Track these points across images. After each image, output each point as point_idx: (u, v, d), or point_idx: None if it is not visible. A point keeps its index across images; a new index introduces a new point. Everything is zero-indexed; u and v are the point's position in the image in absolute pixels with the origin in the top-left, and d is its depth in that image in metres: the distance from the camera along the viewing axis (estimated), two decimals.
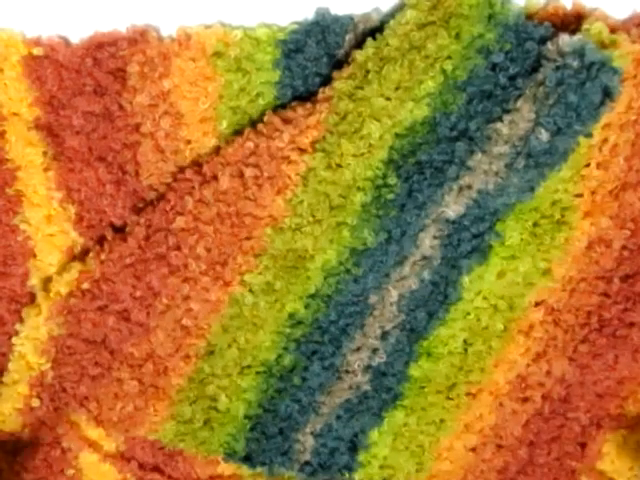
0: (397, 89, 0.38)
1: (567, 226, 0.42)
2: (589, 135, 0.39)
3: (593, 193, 0.42)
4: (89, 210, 0.42)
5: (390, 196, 0.40)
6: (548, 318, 0.44)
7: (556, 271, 0.43)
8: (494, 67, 0.38)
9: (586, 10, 0.39)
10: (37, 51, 0.40)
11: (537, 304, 0.44)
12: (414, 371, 0.44)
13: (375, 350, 0.44)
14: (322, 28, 0.40)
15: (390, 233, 0.41)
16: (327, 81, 0.40)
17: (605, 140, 0.41)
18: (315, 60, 0.40)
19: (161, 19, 0.40)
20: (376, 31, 0.39)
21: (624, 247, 0.43)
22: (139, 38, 0.40)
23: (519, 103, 0.38)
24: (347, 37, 0.40)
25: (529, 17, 0.39)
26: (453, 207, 0.40)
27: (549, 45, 0.37)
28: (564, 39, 0.37)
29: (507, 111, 0.38)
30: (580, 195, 0.42)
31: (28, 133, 0.41)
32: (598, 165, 0.41)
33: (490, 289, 0.43)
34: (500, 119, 0.38)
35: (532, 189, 0.40)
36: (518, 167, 0.39)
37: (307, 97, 0.41)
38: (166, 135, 0.41)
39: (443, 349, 0.44)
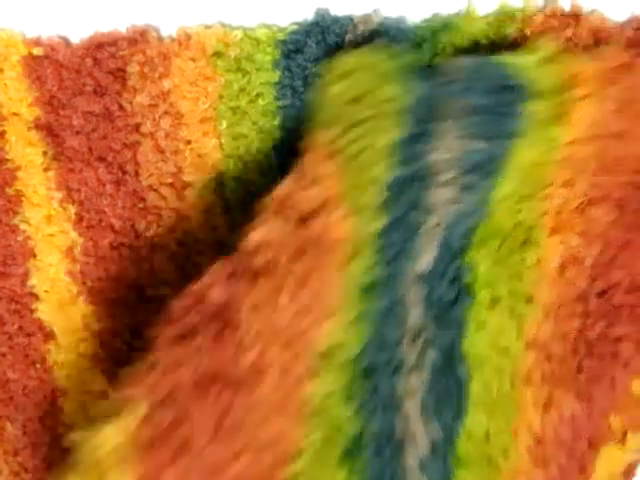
0: None
1: (534, 245, 0.40)
2: (513, 136, 0.38)
3: (558, 211, 0.41)
4: (89, 210, 0.42)
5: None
6: (540, 355, 0.41)
7: (537, 297, 0.41)
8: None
9: (584, 11, 0.40)
10: (37, 51, 0.40)
11: (527, 347, 0.41)
12: None
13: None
14: (322, 29, 0.40)
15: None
16: None
17: (569, 157, 0.40)
18: (315, 61, 0.41)
19: (161, 19, 0.40)
20: (376, 32, 0.40)
21: (594, 264, 0.41)
22: (139, 38, 0.40)
23: (443, 130, 0.37)
24: (347, 38, 0.40)
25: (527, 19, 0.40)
26: (424, 257, 0.38)
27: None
28: (463, 60, 0.38)
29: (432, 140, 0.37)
30: (545, 214, 0.40)
31: (28, 133, 0.41)
32: (563, 183, 0.40)
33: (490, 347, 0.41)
34: (432, 149, 0.37)
35: (486, 202, 0.39)
36: (468, 185, 0.38)
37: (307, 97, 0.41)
38: (166, 135, 0.41)
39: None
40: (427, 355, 0.39)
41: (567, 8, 0.40)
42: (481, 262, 0.39)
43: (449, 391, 0.40)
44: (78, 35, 0.40)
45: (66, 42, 0.40)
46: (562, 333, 0.41)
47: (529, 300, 0.41)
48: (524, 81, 0.37)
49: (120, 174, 0.42)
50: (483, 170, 0.37)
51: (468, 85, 0.37)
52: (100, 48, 0.40)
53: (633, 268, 0.42)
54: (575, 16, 0.40)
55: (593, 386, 0.42)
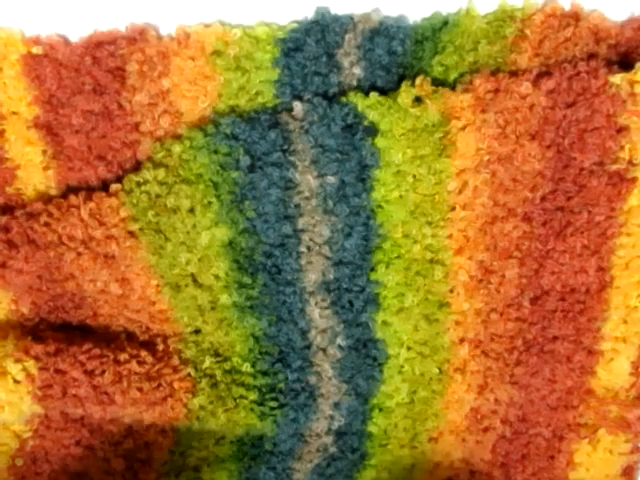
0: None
1: (440, 264, 0.43)
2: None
3: (463, 232, 0.43)
4: None
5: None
6: (477, 351, 0.45)
7: (454, 304, 0.44)
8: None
9: (584, 11, 0.40)
10: (36, 50, 0.40)
11: (462, 341, 0.45)
12: (371, 427, 0.47)
13: (332, 417, 0.46)
14: (322, 27, 0.40)
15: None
16: (326, 80, 0.40)
17: (465, 184, 0.41)
18: (314, 59, 0.40)
19: (160, 18, 0.40)
20: (376, 31, 0.40)
21: (521, 275, 0.44)
22: (138, 37, 0.40)
23: (299, 173, 0.40)
24: (347, 37, 0.40)
25: (527, 18, 0.40)
26: (312, 275, 0.43)
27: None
28: (297, 106, 0.40)
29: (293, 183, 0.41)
30: (449, 237, 0.43)
31: (27, 132, 0.41)
32: (463, 207, 0.42)
33: (409, 338, 0.45)
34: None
35: (365, 224, 0.42)
36: (329, 208, 0.41)
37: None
38: (165, 134, 0.41)
39: (391, 402, 0.46)
40: (336, 340, 0.45)
41: (567, 8, 0.40)
42: (390, 278, 0.43)
43: (365, 364, 0.45)
44: (77, 34, 0.40)
45: (65, 41, 0.40)
46: (498, 334, 0.45)
47: (442, 305, 0.44)
48: (371, 120, 0.40)
49: (120, 173, 0.42)
50: (341, 199, 0.41)
51: (319, 126, 0.40)
52: (99, 47, 0.40)
53: (562, 274, 0.43)
54: (575, 16, 0.40)
55: (532, 378, 0.46)
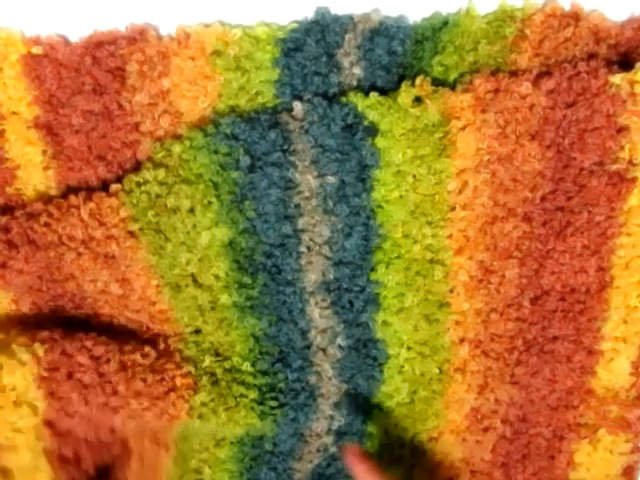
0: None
1: (440, 264, 0.43)
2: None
3: (463, 232, 0.43)
4: None
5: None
6: (477, 351, 0.46)
7: (454, 304, 0.44)
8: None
9: (584, 11, 0.40)
10: (36, 50, 0.40)
11: (462, 341, 0.45)
12: (371, 428, 0.47)
13: (333, 417, 0.47)
14: (322, 27, 0.40)
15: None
16: (326, 80, 0.40)
17: (464, 184, 0.42)
18: (314, 59, 0.40)
19: (160, 18, 0.40)
20: (376, 31, 0.40)
21: (521, 275, 0.44)
22: (138, 37, 0.40)
23: (299, 173, 0.41)
24: (347, 37, 0.40)
25: (527, 18, 0.40)
26: (312, 275, 0.43)
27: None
28: (297, 106, 0.40)
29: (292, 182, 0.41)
30: (450, 237, 0.43)
31: (27, 132, 0.41)
32: (463, 207, 0.42)
33: (409, 338, 0.45)
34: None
35: (366, 224, 0.42)
36: (329, 208, 0.41)
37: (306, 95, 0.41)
38: (165, 134, 0.41)
39: (391, 402, 0.47)
40: (338, 338, 0.45)
41: (567, 8, 0.40)
42: (390, 278, 0.43)
43: (365, 364, 0.45)
44: (77, 34, 0.40)
45: (65, 41, 0.40)
46: (498, 334, 0.45)
47: (442, 305, 0.44)
48: (371, 120, 0.40)
49: (120, 173, 0.42)
50: (341, 199, 0.41)
51: (319, 126, 0.40)
52: (99, 47, 0.40)
53: (562, 274, 0.43)
54: (575, 16, 0.40)
55: (533, 378, 0.46)
